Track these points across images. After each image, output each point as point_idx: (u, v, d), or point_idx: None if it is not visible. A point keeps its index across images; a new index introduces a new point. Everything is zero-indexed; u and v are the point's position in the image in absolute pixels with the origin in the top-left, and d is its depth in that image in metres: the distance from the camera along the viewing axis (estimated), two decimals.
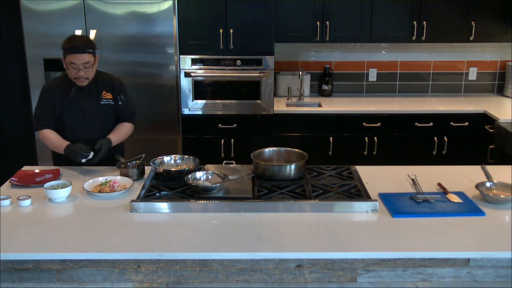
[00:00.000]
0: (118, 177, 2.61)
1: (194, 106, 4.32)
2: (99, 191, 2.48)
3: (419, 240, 2.04)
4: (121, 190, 2.48)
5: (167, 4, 3.99)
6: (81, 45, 2.80)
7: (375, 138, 4.36)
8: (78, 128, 2.93)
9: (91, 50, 2.81)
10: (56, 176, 2.70)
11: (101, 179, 2.58)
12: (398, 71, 4.90)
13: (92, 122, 2.95)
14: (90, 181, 2.55)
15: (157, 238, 2.06)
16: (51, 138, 2.87)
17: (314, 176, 2.64)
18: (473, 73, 4.91)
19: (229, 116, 4.34)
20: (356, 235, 2.08)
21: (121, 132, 3.00)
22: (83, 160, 2.72)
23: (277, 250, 1.98)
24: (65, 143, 2.81)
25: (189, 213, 2.27)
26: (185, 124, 4.33)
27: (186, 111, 4.32)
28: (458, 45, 4.81)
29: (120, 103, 3.00)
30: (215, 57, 4.23)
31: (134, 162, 2.74)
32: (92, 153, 2.73)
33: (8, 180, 2.65)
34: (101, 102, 2.95)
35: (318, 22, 4.40)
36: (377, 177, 2.68)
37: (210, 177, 2.54)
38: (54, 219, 2.27)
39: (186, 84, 4.27)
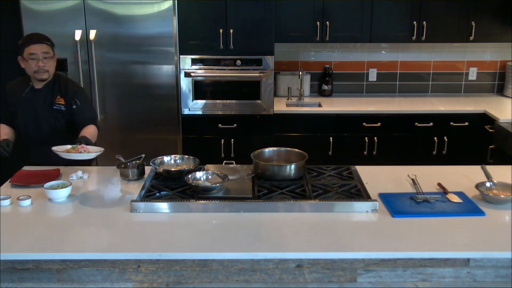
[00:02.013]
0: (90, 146, 2.66)
1: (194, 106, 4.32)
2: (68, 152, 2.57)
3: (419, 240, 2.04)
4: (88, 152, 2.57)
5: (167, 4, 3.99)
6: (39, 36, 2.86)
7: (375, 138, 4.36)
8: (31, 131, 2.92)
9: (49, 43, 2.86)
10: (56, 176, 2.70)
11: (69, 146, 2.64)
12: (398, 71, 4.90)
13: (45, 126, 2.93)
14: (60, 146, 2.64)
15: (157, 238, 2.06)
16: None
17: (314, 176, 2.64)
18: (473, 73, 4.91)
19: (229, 116, 4.34)
20: (356, 235, 2.08)
21: (89, 133, 2.91)
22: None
23: (277, 250, 1.98)
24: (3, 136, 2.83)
25: (189, 213, 2.27)
26: (185, 124, 4.33)
27: (186, 111, 4.32)
28: (458, 45, 4.81)
29: (74, 107, 2.94)
30: (215, 57, 4.23)
31: (134, 162, 2.74)
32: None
33: (8, 180, 2.65)
34: (54, 107, 2.93)
35: (318, 22, 4.40)
36: (377, 177, 2.68)
37: (210, 177, 2.54)
38: (54, 219, 2.26)
39: (186, 84, 4.27)
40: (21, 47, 2.84)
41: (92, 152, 2.61)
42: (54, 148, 2.59)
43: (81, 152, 2.57)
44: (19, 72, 4.24)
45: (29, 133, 2.94)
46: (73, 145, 2.63)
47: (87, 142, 2.72)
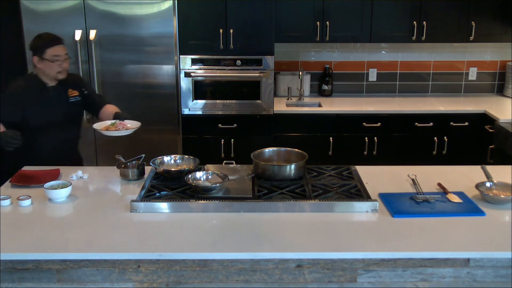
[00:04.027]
0: (127, 121, 2.93)
1: (194, 106, 4.32)
2: (107, 129, 2.84)
3: (419, 240, 2.04)
4: (126, 129, 2.86)
5: (167, 4, 3.99)
6: (60, 38, 2.95)
7: (375, 138, 4.36)
8: (45, 128, 2.94)
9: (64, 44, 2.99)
10: (56, 176, 2.70)
11: (109, 122, 2.93)
12: (398, 71, 4.90)
13: (63, 120, 3.00)
14: (99, 123, 2.92)
15: (157, 238, 2.06)
16: None
17: (314, 176, 2.64)
18: (473, 73, 4.91)
19: (229, 116, 4.34)
20: (356, 235, 2.08)
21: (117, 108, 3.12)
22: (10, 149, 2.73)
23: (277, 250, 1.98)
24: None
25: (189, 213, 2.27)
26: (185, 124, 4.33)
27: (186, 111, 4.32)
28: (458, 45, 4.81)
29: (86, 92, 3.10)
30: (215, 57, 4.23)
31: (134, 162, 2.74)
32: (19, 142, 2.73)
33: (8, 180, 2.65)
34: (70, 101, 3.02)
35: (318, 22, 4.40)
36: (377, 177, 2.68)
37: (210, 177, 2.54)
38: (54, 219, 2.27)
39: (186, 84, 4.27)
40: (41, 48, 2.86)
41: (130, 128, 2.85)
42: (95, 126, 2.81)
43: (119, 129, 2.82)
44: (19, 72, 4.26)
45: (41, 130, 2.93)
46: (112, 122, 2.84)
47: (126, 117, 2.96)
